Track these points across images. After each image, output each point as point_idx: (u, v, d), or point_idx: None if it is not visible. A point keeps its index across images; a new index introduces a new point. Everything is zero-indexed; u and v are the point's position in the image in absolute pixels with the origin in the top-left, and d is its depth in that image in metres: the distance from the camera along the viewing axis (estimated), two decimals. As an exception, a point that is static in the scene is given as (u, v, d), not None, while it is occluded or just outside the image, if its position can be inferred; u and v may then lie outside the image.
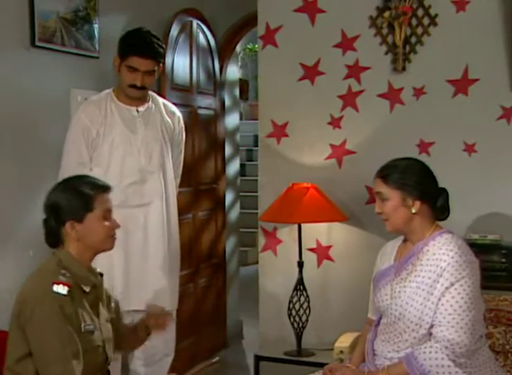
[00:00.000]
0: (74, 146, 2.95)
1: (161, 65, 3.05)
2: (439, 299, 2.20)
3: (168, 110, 3.16)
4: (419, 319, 2.23)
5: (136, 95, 3.00)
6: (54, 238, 2.25)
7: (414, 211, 2.29)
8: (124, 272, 2.96)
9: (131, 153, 2.98)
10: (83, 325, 2.13)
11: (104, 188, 2.25)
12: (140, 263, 2.99)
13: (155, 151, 3.03)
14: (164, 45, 3.19)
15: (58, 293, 2.08)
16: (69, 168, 2.90)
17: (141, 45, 2.93)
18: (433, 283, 2.22)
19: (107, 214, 2.24)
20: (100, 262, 2.47)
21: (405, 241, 2.42)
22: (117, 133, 2.97)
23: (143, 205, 2.99)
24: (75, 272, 2.18)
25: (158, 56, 2.99)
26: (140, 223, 2.98)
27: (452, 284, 2.19)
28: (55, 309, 2.06)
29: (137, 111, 3.03)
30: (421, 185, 2.30)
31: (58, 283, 2.10)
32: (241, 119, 6.61)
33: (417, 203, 2.29)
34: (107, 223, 2.23)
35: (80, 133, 2.94)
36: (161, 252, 3.04)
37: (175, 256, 3.15)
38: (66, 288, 2.10)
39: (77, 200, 2.19)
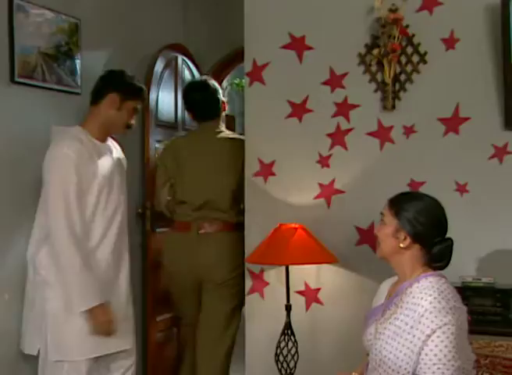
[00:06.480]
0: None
1: None
2: (422, 348, 2.09)
3: (118, 148, 3.36)
4: (396, 364, 2.13)
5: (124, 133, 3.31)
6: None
7: (402, 246, 2.23)
8: None
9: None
10: None
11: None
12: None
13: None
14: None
15: None
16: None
17: (142, 88, 3.27)
18: (411, 330, 2.13)
19: None
20: None
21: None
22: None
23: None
24: None
25: None
26: None
27: (433, 331, 2.08)
28: None
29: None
30: (420, 225, 2.22)
31: None
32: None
33: (408, 240, 2.23)
34: None
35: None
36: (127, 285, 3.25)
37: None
38: None
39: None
